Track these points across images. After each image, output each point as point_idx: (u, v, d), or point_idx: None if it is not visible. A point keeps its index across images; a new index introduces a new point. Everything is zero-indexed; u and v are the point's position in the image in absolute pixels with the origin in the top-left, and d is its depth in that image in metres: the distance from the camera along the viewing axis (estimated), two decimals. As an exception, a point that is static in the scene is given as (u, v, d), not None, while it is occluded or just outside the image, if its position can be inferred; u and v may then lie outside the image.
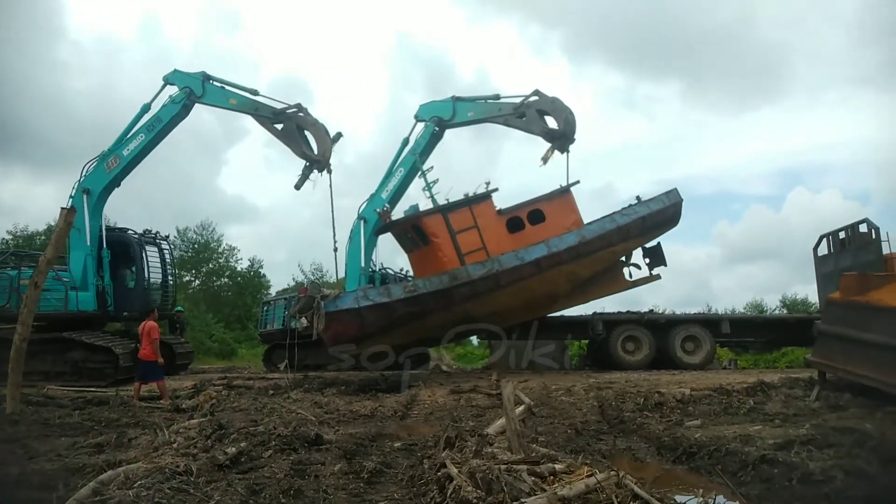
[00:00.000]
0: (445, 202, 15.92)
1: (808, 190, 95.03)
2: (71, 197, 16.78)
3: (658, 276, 17.59)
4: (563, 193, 16.44)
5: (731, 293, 73.27)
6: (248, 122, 17.70)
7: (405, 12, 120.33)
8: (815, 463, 5.28)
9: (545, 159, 16.59)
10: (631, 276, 17.38)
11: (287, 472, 5.23)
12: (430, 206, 16.04)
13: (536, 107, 16.72)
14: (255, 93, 16.99)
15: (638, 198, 16.81)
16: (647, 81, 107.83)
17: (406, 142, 18.38)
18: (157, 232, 18.92)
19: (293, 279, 48.32)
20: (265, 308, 22.32)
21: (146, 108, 17.16)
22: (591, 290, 16.89)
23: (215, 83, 17.22)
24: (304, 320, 15.37)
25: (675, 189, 17.15)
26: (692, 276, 66.88)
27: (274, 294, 48.69)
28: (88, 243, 16.49)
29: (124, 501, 3.85)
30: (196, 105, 17.35)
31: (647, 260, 17.53)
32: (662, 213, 16.70)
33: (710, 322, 17.48)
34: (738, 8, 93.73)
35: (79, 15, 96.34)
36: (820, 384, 10.91)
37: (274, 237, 79.03)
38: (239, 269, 48.16)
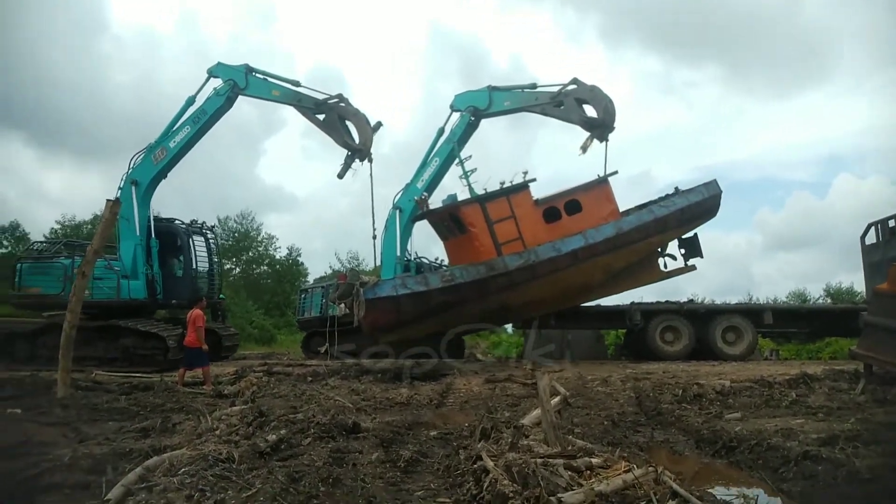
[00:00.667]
0: (483, 191, 15.95)
1: (854, 176, 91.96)
2: (120, 188, 17.21)
3: (693, 268, 17.42)
4: (601, 184, 16.36)
5: (772, 281, 71.53)
6: (286, 112, 18.12)
7: (438, 1, 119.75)
8: (862, 460, 5.13)
9: (584, 148, 16.48)
10: (666, 266, 17.30)
11: (326, 460, 5.32)
12: (468, 195, 16.06)
13: (575, 95, 16.60)
14: (297, 84, 17.27)
15: (676, 188, 16.75)
16: (685, 66, 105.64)
17: (441, 131, 18.36)
18: (204, 222, 19.42)
19: (330, 267, 48.93)
20: (303, 296, 22.64)
21: (191, 101, 17.52)
22: (625, 281, 16.85)
23: (258, 75, 17.55)
24: (342, 306, 15.74)
25: (715, 180, 16.92)
26: (732, 264, 65.49)
27: (311, 282, 49.66)
28: (138, 233, 16.93)
29: (169, 488, 3.96)
30: (238, 97, 17.65)
31: (683, 251, 17.38)
32: (701, 205, 16.51)
33: (752, 312, 17.14)
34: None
35: (120, 9, 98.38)
36: (866, 377, 10.64)
37: (311, 226, 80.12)
38: (278, 257, 49.03)
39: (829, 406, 9.51)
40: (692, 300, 18.94)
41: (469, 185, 16.39)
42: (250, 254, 48.26)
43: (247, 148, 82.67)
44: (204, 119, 17.37)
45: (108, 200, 11.22)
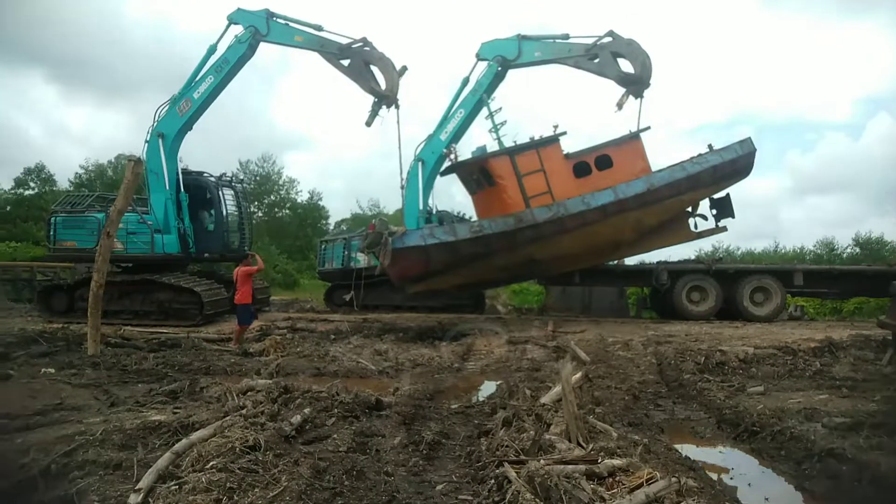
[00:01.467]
0: (513, 143, 15.81)
1: (892, 116, 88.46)
2: (146, 142, 17.11)
3: (724, 229, 17.13)
4: (633, 139, 16.01)
5: (800, 226, 69.85)
6: (302, 51, 17.48)
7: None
8: (888, 458, 5.07)
9: (620, 105, 16.02)
10: (696, 227, 16.92)
11: (349, 445, 5.42)
12: (497, 147, 15.93)
13: (611, 49, 15.98)
14: (320, 28, 16.77)
15: (710, 146, 16.15)
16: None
17: (466, 81, 17.79)
18: (234, 174, 19.40)
19: (350, 213, 49.19)
20: (323, 246, 22.66)
21: (212, 50, 17.18)
22: (655, 240, 16.62)
23: (279, 20, 17.08)
24: (363, 257, 15.74)
25: (749, 138, 16.34)
26: (759, 209, 64.04)
27: (332, 229, 49.99)
28: (167, 187, 16.92)
29: (198, 488, 4.05)
30: (260, 43, 17.30)
31: (714, 211, 16.98)
32: (734, 163, 16.04)
33: (782, 273, 16.80)
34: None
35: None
36: (893, 348, 10.46)
37: (330, 165, 79.95)
38: (299, 200, 49.23)
39: (854, 377, 9.46)
40: (720, 258, 18.52)
41: (498, 137, 16.18)
42: (272, 197, 48.49)
43: (264, 87, 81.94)
44: (227, 68, 17.05)
45: (129, 160, 11.19)
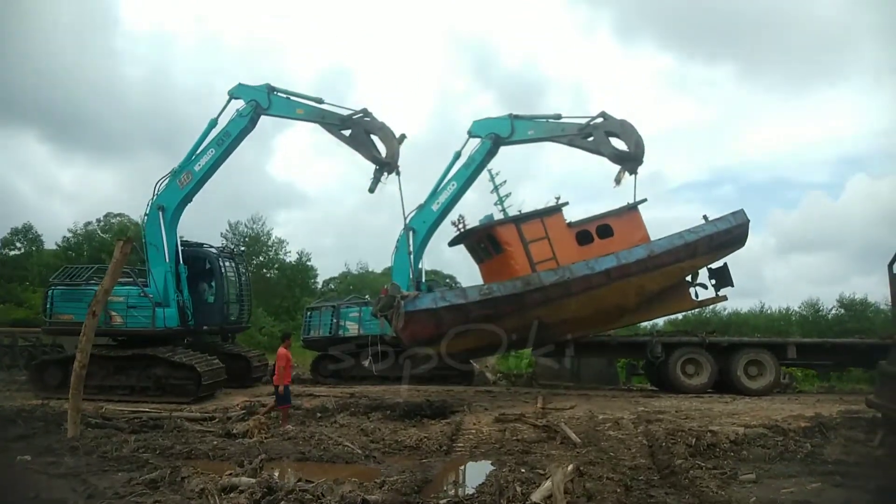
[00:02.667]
0: (518, 213, 16.47)
1: (870, 177, 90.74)
2: (146, 214, 17.22)
3: (724, 297, 17.55)
4: (631, 210, 16.60)
5: (784, 284, 70.40)
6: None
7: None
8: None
9: (618, 181, 16.57)
10: (697, 295, 17.36)
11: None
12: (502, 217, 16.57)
13: (604, 128, 16.68)
14: (321, 101, 17.27)
15: (705, 217, 16.76)
16: (699, 63, 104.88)
17: (458, 155, 18.30)
18: (235, 247, 19.45)
19: (339, 272, 49.16)
20: (309, 313, 22.46)
21: (213, 123, 17.52)
22: (658, 307, 17.04)
23: (280, 94, 17.51)
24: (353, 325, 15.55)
25: (742, 210, 16.97)
26: (745, 266, 64.50)
27: (320, 288, 49.85)
28: (167, 260, 16.89)
29: None
30: (261, 116, 17.67)
31: (713, 280, 17.41)
32: (729, 233, 16.62)
33: (775, 346, 17.03)
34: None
35: (132, 5, 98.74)
36: (883, 429, 10.40)
37: (322, 222, 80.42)
38: (288, 261, 49.20)
39: (846, 461, 9.39)
40: (713, 331, 18.81)
41: (504, 209, 16.77)
42: (261, 258, 48.43)
43: (258, 145, 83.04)
44: (228, 141, 17.37)
45: (118, 240, 11.18)
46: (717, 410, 13.19)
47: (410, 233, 18.09)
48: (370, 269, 51.06)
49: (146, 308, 16.48)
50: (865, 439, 10.46)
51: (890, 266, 18.24)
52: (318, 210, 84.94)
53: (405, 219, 17.44)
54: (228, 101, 17.60)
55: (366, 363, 18.62)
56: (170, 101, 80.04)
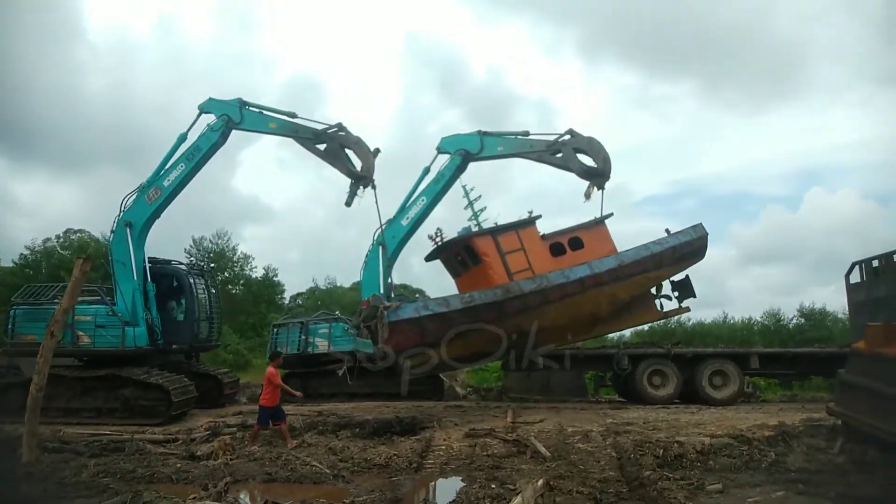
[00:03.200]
0: (495, 224, 16.91)
1: (826, 190, 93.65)
2: (112, 231, 16.83)
3: (687, 309, 18.23)
4: (599, 224, 17.28)
5: (746, 294, 72.02)
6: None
7: (415, 12, 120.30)
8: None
9: (588, 196, 17.20)
10: (662, 307, 18.02)
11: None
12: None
13: (572, 145, 17.26)
14: (294, 115, 17.19)
15: (667, 230, 17.35)
16: (661, 81, 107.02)
17: (427, 170, 18.55)
18: (204, 264, 19.11)
19: (306, 287, 48.66)
20: (276, 330, 22.10)
21: (183, 138, 17.24)
22: (627, 318, 17.66)
23: (252, 109, 17.37)
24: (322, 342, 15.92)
25: (701, 224, 17.76)
26: (707, 277, 65.88)
27: (287, 303, 49.23)
28: (135, 277, 16.48)
29: None
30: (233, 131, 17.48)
31: (676, 292, 18.03)
32: (690, 245, 17.34)
33: (738, 357, 17.47)
34: (756, 3, 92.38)
35: (96, 16, 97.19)
36: (843, 436, 10.65)
37: (288, 236, 79.60)
38: (254, 276, 48.48)
39: (809, 469, 9.60)
40: (679, 342, 19.30)
41: (479, 223, 17.12)
42: (226, 274, 47.64)
43: (223, 158, 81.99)
44: (199, 156, 17.12)
45: (78, 258, 10.89)
46: (684, 421, 13.35)
47: (381, 248, 18.14)
48: (339, 284, 50.63)
49: (115, 327, 16.06)
50: (827, 447, 10.69)
51: (846, 276, 18.92)
52: (285, 224, 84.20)
53: (381, 233, 17.59)
54: (199, 116, 17.37)
55: (340, 372, 18.39)
56: (133, 114, 78.70)
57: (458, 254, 17.05)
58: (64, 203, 73.71)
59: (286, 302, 50.58)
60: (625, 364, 17.15)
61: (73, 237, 43.26)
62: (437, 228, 17.47)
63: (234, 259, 48.17)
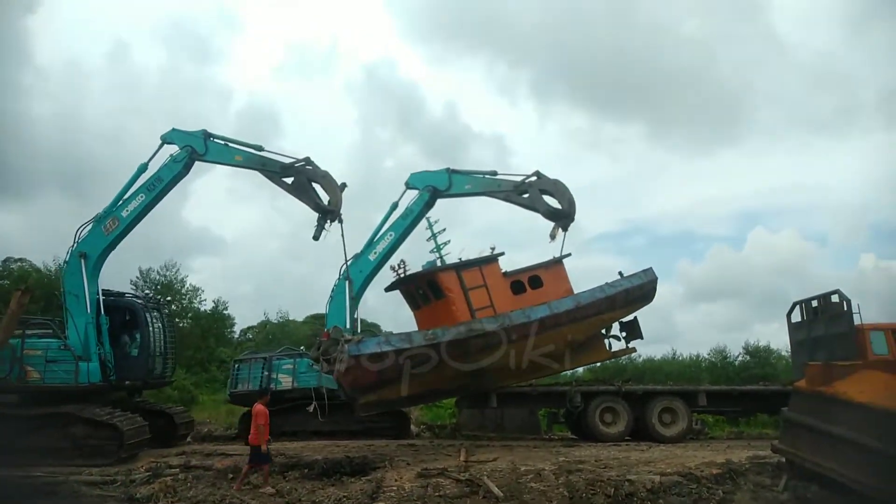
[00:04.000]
0: (459, 259, 16.83)
1: (767, 230, 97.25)
2: (65, 262, 16.23)
3: (633, 349, 18.55)
4: (557, 264, 17.46)
5: (693, 331, 73.72)
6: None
7: (373, 49, 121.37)
8: None
9: (553, 237, 17.51)
10: (611, 347, 18.16)
11: None
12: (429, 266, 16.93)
13: (539, 186, 17.63)
14: (260, 148, 17.06)
15: (620, 273, 17.62)
16: (611, 122, 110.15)
17: (395, 206, 18.76)
18: (160, 297, 18.59)
19: (256, 328, 47.73)
20: (237, 366, 21.42)
21: (143, 168, 16.90)
22: (581, 357, 17.66)
23: (217, 140, 17.14)
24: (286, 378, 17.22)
25: (651, 268, 18.09)
26: (656, 313, 67.32)
27: (237, 337, 48.03)
28: (88, 311, 15.84)
29: None
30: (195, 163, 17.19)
31: (624, 333, 18.23)
32: (641, 288, 17.59)
33: (687, 394, 17.79)
34: (699, 50, 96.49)
35: (45, 40, 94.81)
36: (787, 473, 10.88)
37: (240, 268, 77.91)
38: (203, 309, 47.18)
39: (755, 507, 9.81)
40: (629, 379, 19.61)
41: (441, 257, 17.11)
42: (174, 307, 46.26)
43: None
44: (160, 187, 16.75)
45: (16, 291, 10.47)
46: (634, 458, 13.46)
47: (347, 282, 18.15)
48: (291, 318, 49.64)
49: (67, 362, 15.35)
50: (772, 484, 10.93)
51: (788, 316, 19.61)
52: (236, 256, 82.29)
53: (346, 266, 17.57)
54: (161, 146, 17.10)
55: (310, 409, 18.05)
56: (81, 141, 76.47)
57: (420, 287, 16.99)
58: (3, 230, 70.66)
59: (236, 336, 49.32)
60: (577, 401, 17.30)
61: (12, 266, 41.48)
62: (401, 260, 17.52)
63: (183, 291, 46.77)
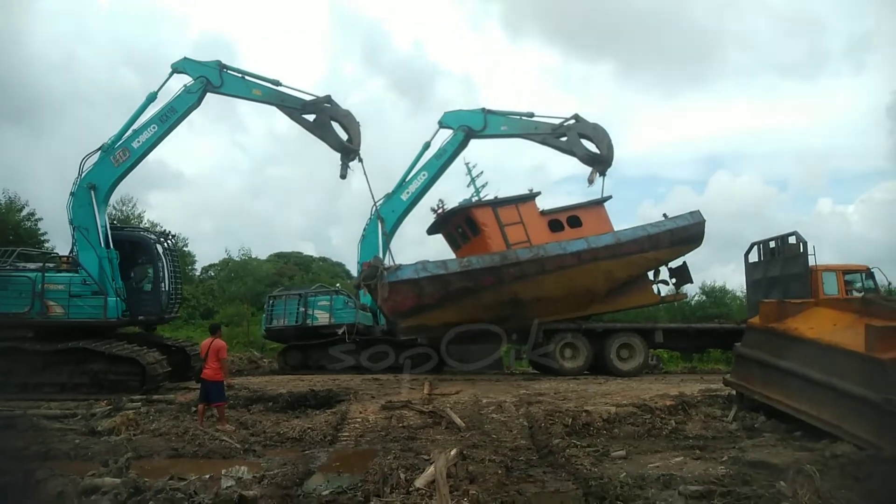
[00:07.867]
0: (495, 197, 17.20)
1: (730, 174, 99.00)
2: (72, 194, 15.69)
3: (685, 295, 19.49)
4: (598, 205, 17.77)
5: (654, 273, 75.86)
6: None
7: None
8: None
9: (591, 181, 17.73)
10: (660, 292, 18.60)
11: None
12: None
13: (577, 130, 17.56)
14: (278, 83, 16.68)
15: (665, 215, 17.86)
16: (581, 60, 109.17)
17: (427, 146, 18.63)
18: (168, 231, 18.42)
19: (218, 266, 47.11)
20: (272, 301, 21.40)
21: (152, 97, 16.51)
22: (623, 299, 18.13)
23: (233, 72, 16.69)
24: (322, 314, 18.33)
25: (698, 210, 18.19)
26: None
27: (199, 274, 47.41)
28: (101, 244, 15.46)
29: None
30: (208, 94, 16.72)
31: (674, 279, 18.66)
32: (687, 230, 17.79)
33: (644, 331, 18.25)
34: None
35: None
36: (737, 405, 11.39)
37: (199, 205, 76.45)
38: (162, 246, 46.27)
39: (705, 436, 10.24)
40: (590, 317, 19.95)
41: (480, 197, 17.38)
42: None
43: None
44: (174, 118, 16.33)
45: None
46: (592, 391, 13.89)
47: (380, 221, 18.33)
48: (254, 256, 49.14)
49: (90, 297, 15.07)
50: (722, 415, 11.40)
51: (745, 256, 20.15)
52: (195, 192, 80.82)
53: (375, 206, 17.83)
54: (170, 75, 16.70)
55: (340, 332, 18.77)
56: (24, 69, 72.56)
57: (458, 225, 17.26)
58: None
59: (197, 273, 48.72)
60: (540, 337, 17.53)
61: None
62: (440, 200, 17.75)
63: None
